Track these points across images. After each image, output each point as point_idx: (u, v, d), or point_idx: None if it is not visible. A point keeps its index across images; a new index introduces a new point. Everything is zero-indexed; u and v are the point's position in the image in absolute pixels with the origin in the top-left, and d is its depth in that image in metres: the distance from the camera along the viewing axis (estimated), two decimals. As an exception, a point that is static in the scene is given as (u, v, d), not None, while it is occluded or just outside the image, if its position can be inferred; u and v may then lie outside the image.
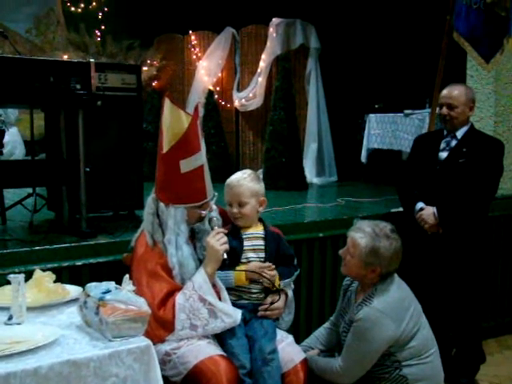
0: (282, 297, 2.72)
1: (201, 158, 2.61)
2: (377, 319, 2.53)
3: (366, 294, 2.66)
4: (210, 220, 2.65)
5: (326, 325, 3.02)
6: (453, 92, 3.54)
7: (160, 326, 2.48)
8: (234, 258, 2.61)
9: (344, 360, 2.64)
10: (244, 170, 2.78)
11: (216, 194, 2.72)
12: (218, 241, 2.55)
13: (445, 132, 3.65)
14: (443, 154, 3.58)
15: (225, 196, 2.73)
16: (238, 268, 2.64)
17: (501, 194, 4.57)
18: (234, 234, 2.70)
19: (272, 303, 2.66)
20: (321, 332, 3.01)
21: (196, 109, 2.64)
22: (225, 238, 2.57)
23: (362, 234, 2.64)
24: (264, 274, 2.61)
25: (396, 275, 2.72)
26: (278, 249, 2.74)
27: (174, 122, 2.58)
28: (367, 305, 2.58)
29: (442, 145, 3.61)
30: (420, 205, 3.54)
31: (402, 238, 2.70)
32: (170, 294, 2.52)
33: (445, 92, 3.58)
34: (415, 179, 3.64)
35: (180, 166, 2.56)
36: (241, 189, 2.65)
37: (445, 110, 3.54)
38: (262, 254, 2.69)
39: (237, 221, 2.71)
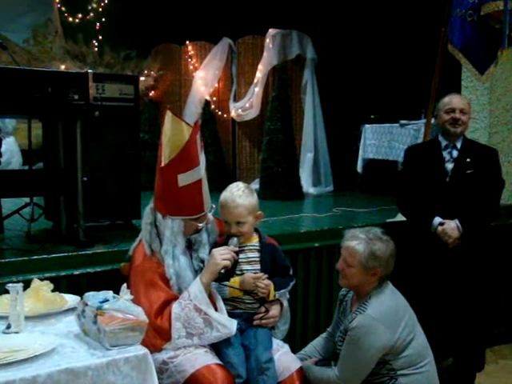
0: (277, 306, 2.74)
1: (199, 172, 2.62)
2: (371, 327, 2.56)
3: (360, 302, 2.69)
4: (230, 238, 2.66)
5: (324, 335, 3.05)
6: (463, 99, 3.62)
7: (157, 334, 2.50)
8: (228, 270, 2.61)
9: (340, 369, 2.65)
10: (236, 185, 2.75)
11: (214, 206, 2.74)
12: (221, 255, 2.57)
13: (443, 143, 3.65)
14: (449, 166, 3.58)
15: (221, 214, 2.72)
16: (232, 280, 2.64)
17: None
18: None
19: (267, 312, 2.68)
20: (318, 341, 3.03)
21: (196, 123, 2.64)
22: (229, 256, 2.58)
23: (357, 241, 2.67)
24: (258, 284, 2.62)
25: (390, 284, 2.75)
26: (274, 260, 2.74)
27: (175, 133, 2.59)
28: (361, 313, 2.61)
29: (445, 156, 3.61)
30: (438, 220, 3.49)
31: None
32: (167, 303, 2.54)
33: (456, 99, 3.59)
34: (420, 192, 3.59)
35: (178, 180, 2.57)
36: (238, 210, 2.64)
37: (458, 114, 3.55)
38: (258, 266, 2.70)
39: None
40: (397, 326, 2.61)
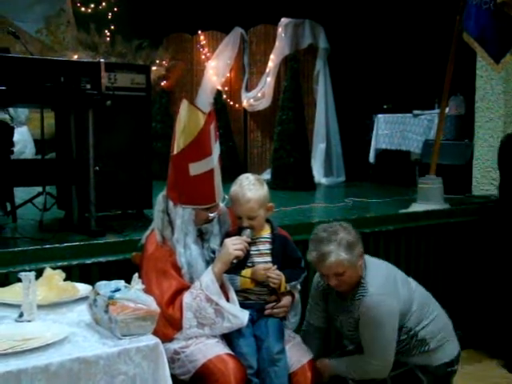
0: (289, 297, 2.72)
1: (211, 162, 2.60)
2: (380, 302, 2.57)
3: (354, 288, 2.65)
4: (243, 230, 2.64)
5: (308, 335, 2.92)
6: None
7: (168, 324, 2.50)
8: (239, 262, 2.60)
9: (371, 353, 2.64)
10: (246, 177, 2.71)
11: (226, 196, 2.72)
12: (234, 245, 2.55)
13: None
14: None
15: (233, 208, 2.70)
16: (243, 272, 2.63)
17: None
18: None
19: (278, 301, 2.66)
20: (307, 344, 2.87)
21: (210, 113, 2.61)
22: (242, 246, 2.56)
23: (332, 254, 2.55)
24: (270, 274, 2.61)
25: (366, 256, 2.72)
26: (285, 252, 2.73)
27: (191, 122, 2.57)
28: (364, 295, 2.60)
29: None
30: None
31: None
32: (179, 292, 2.54)
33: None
34: None
35: (189, 169, 2.56)
36: (249, 204, 2.62)
37: None
38: (269, 258, 2.68)
39: None
40: (397, 289, 2.65)
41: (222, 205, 2.72)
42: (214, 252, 2.65)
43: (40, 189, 4.16)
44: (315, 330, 2.93)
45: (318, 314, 2.91)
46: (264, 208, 2.67)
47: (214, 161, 2.62)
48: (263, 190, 2.68)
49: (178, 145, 2.58)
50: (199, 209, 2.62)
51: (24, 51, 4.15)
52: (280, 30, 7.63)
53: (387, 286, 2.63)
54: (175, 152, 2.58)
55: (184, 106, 2.60)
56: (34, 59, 3.44)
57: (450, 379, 2.82)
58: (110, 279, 2.30)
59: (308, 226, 3.89)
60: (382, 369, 2.65)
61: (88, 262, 3.07)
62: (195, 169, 2.57)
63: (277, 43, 7.64)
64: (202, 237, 2.69)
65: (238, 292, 2.63)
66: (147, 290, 2.27)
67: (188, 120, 2.58)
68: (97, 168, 3.47)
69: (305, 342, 2.82)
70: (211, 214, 2.65)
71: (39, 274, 2.46)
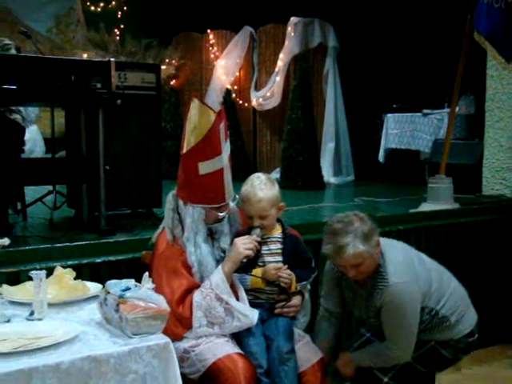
0: (299, 296, 2.72)
1: (221, 162, 2.59)
2: (403, 290, 2.54)
3: (372, 275, 2.61)
4: (252, 229, 2.63)
5: (325, 320, 2.91)
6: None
7: (178, 322, 2.50)
8: (250, 261, 2.60)
9: (395, 340, 2.62)
10: (258, 177, 2.69)
11: (237, 196, 2.71)
12: (244, 244, 2.55)
13: None
14: None
15: (243, 208, 2.69)
16: (254, 271, 2.63)
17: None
18: None
19: (288, 300, 2.65)
20: (326, 330, 2.91)
21: (220, 112, 2.60)
22: (252, 245, 2.55)
23: (349, 246, 2.49)
24: (281, 274, 2.61)
25: (382, 241, 2.66)
26: (296, 252, 2.72)
27: (202, 121, 2.56)
28: (386, 285, 2.56)
29: None
30: None
31: None
32: (189, 290, 2.54)
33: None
34: None
35: (199, 168, 2.55)
36: (260, 204, 2.60)
37: None
38: (280, 258, 2.67)
39: None
40: (416, 272, 2.62)
41: (232, 204, 2.71)
42: (224, 251, 2.65)
43: (50, 187, 4.18)
44: (331, 315, 2.91)
45: (333, 300, 2.88)
46: (275, 207, 2.67)
47: (223, 160, 2.61)
48: (275, 190, 2.66)
49: (188, 144, 2.58)
50: (209, 208, 2.61)
51: (35, 50, 4.17)
52: (289, 28, 7.63)
53: (407, 272, 2.59)
54: (185, 151, 2.58)
55: (194, 105, 2.60)
56: (45, 58, 3.45)
57: (472, 349, 2.80)
58: (120, 278, 2.30)
59: (317, 226, 3.88)
60: (405, 354, 2.64)
61: (98, 260, 3.07)
62: (205, 168, 2.56)
63: (286, 42, 7.64)
64: (212, 236, 2.68)
65: (247, 291, 2.63)
66: (157, 289, 2.27)
67: (198, 119, 2.57)
68: (107, 167, 3.47)
69: (321, 327, 2.85)
70: (221, 214, 2.64)
71: (50, 272, 2.47)
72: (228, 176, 2.65)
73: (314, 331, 2.92)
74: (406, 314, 2.56)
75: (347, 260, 2.52)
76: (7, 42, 4.02)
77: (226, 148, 2.64)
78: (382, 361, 2.69)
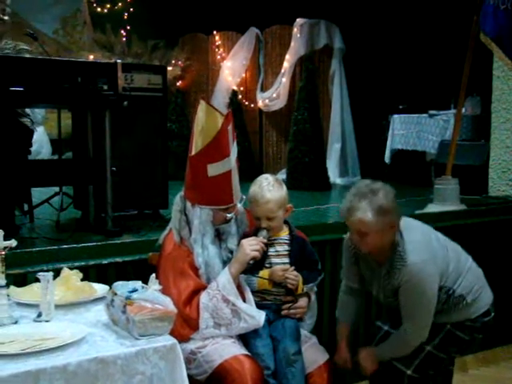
0: (305, 298, 2.71)
1: (229, 163, 2.59)
2: (421, 270, 2.53)
3: (389, 255, 2.60)
4: (260, 230, 2.63)
5: (346, 294, 2.94)
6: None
7: (185, 324, 2.50)
8: (257, 262, 2.60)
9: (411, 321, 2.61)
10: (266, 178, 2.69)
11: (244, 197, 2.71)
12: (250, 246, 2.55)
13: None
14: None
15: (251, 209, 2.69)
16: (261, 273, 2.63)
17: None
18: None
19: (295, 302, 2.65)
20: (346, 304, 2.95)
21: (228, 114, 2.60)
22: (258, 247, 2.55)
23: (359, 211, 2.49)
24: (288, 275, 2.60)
25: (403, 221, 2.65)
26: (303, 254, 2.71)
27: (209, 123, 2.56)
28: (404, 265, 2.54)
29: None
30: None
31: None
32: (196, 292, 2.54)
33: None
34: None
35: (207, 170, 2.55)
36: (268, 205, 2.60)
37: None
38: (286, 260, 2.67)
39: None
40: (435, 251, 2.61)
41: (239, 205, 2.71)
42: (231, 252, 2.65)
43: (57, 189, 4.19)
44: (352, 291, 2.92)
45: (352, 277, 2.88)
46: (283, 209, 2.66)
47: (231, 162, 2.61)
48: (282, 191, 2.66)
49: (197, 146, 2.58)
50: (217, 209, 2.62)
51: (41, 52, 4.18)
52: (295, 30, 7.63)
53: (425, 251, 2.58)
54: (193, 153, 2.59)
55: (202, 107, 2.60)
56: (52, 60, 3.45)
57: (488, 329, 2.77)
58: (126, 279, 2.30)
59: (323, 227, 3.89)
60: (421, 335, 2.61)
61: (105, 262, 3.08)
62: (213, 170, 2.56)
63: (292, 43, 7.64)
64: (219, 237, 2.68)
65: (254, 293, 2.63)
66: (164, 290, 2.27)
67: (206, 121, 2.57)
68: (113, 168, 3.48)
69: (343, 300, 2.91)
70: (229, 215, 2.65)
71: (57, 274, 2.48)
72: (235, 177, 2.65)
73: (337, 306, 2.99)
74: (424, 293, 2.55)
75: (353, 223, 2.53)
76: (24, 47, 3.99)
77: (234, 150, 2.64)
78: (400, 348, 2.67)
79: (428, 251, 2.59)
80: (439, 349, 2.69)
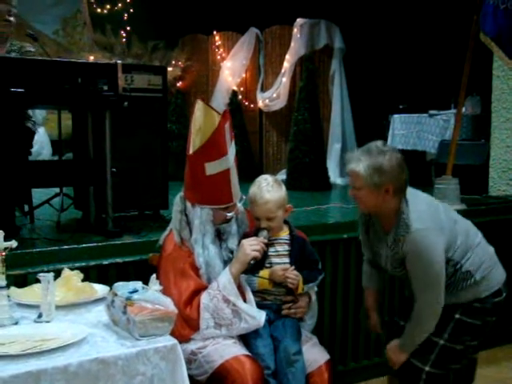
0: (306, 298, 2.72)
1: (227, 162, 2.60)
2: (425, 238, 2.52)
3: (395, 222, 2.60)
4: (260, 231, 2.63)
5: (367, 264, 2.98)
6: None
7: (186, 324, 2.51)
8: (257, 262, 2.60)
9: (422, 295, 2.60)
10: (265, 178, 2.71)
11: (244, 196, 2.72)
12: (251, 246, 2.55)
13: None
14: None
15: (250, 210, 2.70)
16: (261, 273, 2.63)
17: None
18: None
19: (295, 301, 2.66)
20: (369, 273, 2.98)
21: (225, 112, 2.62)
22: (259, 247, 2.56)
23: (356, 163, 2.54)
24: (288, 275, 2.61)
25: (409, 189, 2.65)
26: (303, 253, 2.72)
27: (206, 123, 2.57)
28: (408, 232, 2.54)
29: None
30: None
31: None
32: (197, 292, 2.54)
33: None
34: None
35: (205, 169, 2.56)
36: (267, 206, 2.62)
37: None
38: (287, 259, 2.68)
39: None
40: (441, 220, 2.59)
41: (239, 205, 2.72)
42: (232, 252, 2.66)
43: (57, 190, 4.18)
44: (370, 262, 2.94)
45: (366, 248, 2.91)
46: (282, 209, 2.67)
47: (229, 160, 2.62)
48: (281, 192, 2.67)
49: (194, 145, 2.59)
50: (217, 208, 2.62)
51: (41, 53, 4.18)
52: (295, 30, 7.63)
53: (430, 220, 2.56)
54: (191, 152, 2.59)
55: (199, 106, 2.61)
56: (52, 61, 3.45)
57: (499, 311, 2.73)
58: (127, 280, 2.31)
59: (323, 227, 3.89)
60: (435, 310, 2.58)
61: (105, 262, 3.08)
62: (211, 168, 2.57)
63: (292, 43, 7.64)
64: (219, 237, 2.69)
65: (255, 293, 2.63)
66: (165, 291, 2.27)
67: (203, 120, 2.59)
68: (113, 169, 3.48)
69: (364, 270, 2.96)
70: (229, 214, 2.65)
71: (57, 274, 2.48)
72: (234, 176, 2.66)
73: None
74: (431, 264, 2.53)
75: (348, 170, 2.60)
76: (30, 48, 3.99)
77: (232, 149, 2.64)
78: (417, 329, 2.64)
79: (433, 220, 2.57)
80: (453, 340, 2.66)
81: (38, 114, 7.28)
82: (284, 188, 2.71)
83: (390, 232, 2.64)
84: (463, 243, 2.65)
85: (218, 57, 8.29)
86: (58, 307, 2.25)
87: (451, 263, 2.62)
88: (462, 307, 2.67)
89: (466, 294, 2.67)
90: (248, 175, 4.07)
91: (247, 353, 2.50)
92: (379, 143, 2.60)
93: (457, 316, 2.67)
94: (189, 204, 2.65)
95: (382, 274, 2.97)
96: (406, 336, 2.70)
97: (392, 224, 2.62)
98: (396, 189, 2.56)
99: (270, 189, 2.64)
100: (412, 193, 2.67)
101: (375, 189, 2.53)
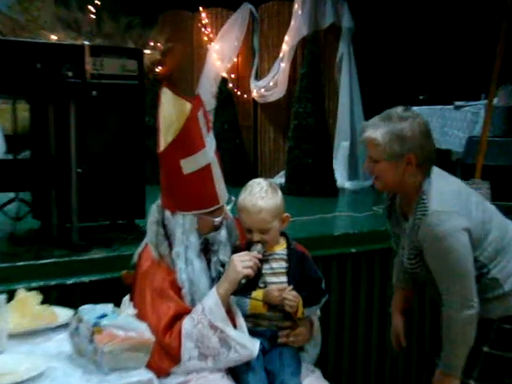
0: (307, 323, 2.72)
1: (206, 156, 2.61)
2: (444, 222, 2.49)
3: (415, 205, 2.60)
4: (252, 244, 2.63)
5: (397, 258, 3.00)
6: None
7: (165, 355, 2.50)
8: (249, 281, 2.59)
9: (445, 289, 2.58)
10: (258, 183, 2.71)
11: (233, 198, 2.73)
12: (242, 262, 2.55)
13: None
14: None
15: (241, 220, 2.70)
16: (254, 294, 2.63)
17: None
18: None
19: (294, 327, 2.66)
20: (398, 268, 3.00)
21: (196, 97, 2.62)
22: (251, 263, 2.55)
23: (373, 129, 2.57)
24: (285, 296, 2.61)
25: (437, 169, 2.66)
26: (303, 271, 2.71)
27: (177, 113, 2.58)
28: (425, 214, 2.53)
29: None
30: None
31: None
32: (178, 316, 2.54)
33: None
34: None
35: (181, 167, 2.57)
36: (260, 215, 2.61)
37: None
38: (284, 278, 2.67)
39: None
40: (469, 207, 2.57)
41: (227, 208, 2.72)
42: (223, 265, 2.66)
43: (12, 195, 4.17)
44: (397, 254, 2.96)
45: (393, 240, 2.93)
46: (278, 219, 2.67)
47: (209, 154, 2.63)
48: (277, 198, 2.67)
49: (165, 140, 2.59)
50: (201, 214, 2.63)
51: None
52: (296, 6, 7.66)
53: (453, 202, 2.55)
54: (161, 148, 2.58)
55: (166, 96, 2.61)
56: (5, 41, 3.46)
57: None
58: (95, 302, 2.30)
59: (328, 240, 3.90)
60: (465, 309, 2.53)
61: (69, 282, 3.09)
62: (189, 166, 2.57)
63: (292, 22, 7.67)
64: (206, 250, 2.69)
65: (246, 317, 2.63)
66: (140, 315, 2.28)
67: (173, 111, 2.59)
68: (80, 170, 3.48)
69: (397, 267, 2.97)
70: (216, 219, 2.66)
71: (10, 296, 2.47)
72: (217, 173, 2.67)
73: None
74: (451, 249, 2.50)
75: (364, 138, 2.61)
76: None
77: (210, 140, 2.65)
78: (452, 333, 2.59)
79: (458, 204, 2.55)
80: (497, 347, 2.63)
81: (-12, 104, 7.29)
82: (280, 194, 2.72)
83: (409, 217, 2.65)
84: (494, 243, 2.62)
85: (205, 37, 8.32)
86: (11, 336, 2.25)
87: (477, 265, 2.58)
88: (490, 336, 2.65)
89: (495, 308, 2.64)
90: (240, 179, 4.08)
91: (237, 390, 2.50)
92: (400, 109, 2.62)
93: (485, 349, 2.65)
94: (168, 213, 2.66)
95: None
96: (446, 351, 2.65)
97: (412, 207, 2.62)
98: (420, 160, 2.57)
99: (263, 195, 2.64)
100: (439, 173, 2.66)
101: (395, 160, 2.55)
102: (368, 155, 2.64)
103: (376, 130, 2.55)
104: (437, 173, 2.65)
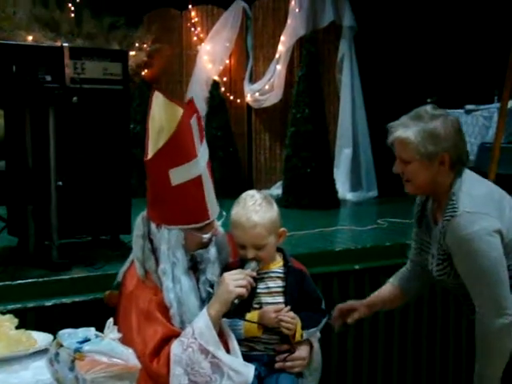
0: (306, 347, 2.72)
1: (197, 167, 2.61)
2: (473, 223, 2.52)
3: (444, 206, 2.63)
4: (246, 262, 2.64)
5: (408, 266, 3.04)
6: None
7: (152, 382, 2.50)
8: (243, 302, 2.59)
9: (478, 295, 2.58)
10: (251, 196, 2.71)
11: (224, 213, 2.73)
12: (235, 281, 2.55)
13: None
14: None
15: (234, 236, 2.70)
16: (248, 315, 2.63)
17: None
18: None
19: (292, 351, 2.66)
20: (402, 271, 3.04)
21: (189, 102, 2.64)
22: (245, 282, 2.55)
23: (404, 128, 2.60)
24: (282, 318, 2.61)
25: (469, 171, 2.69)
26: (302, 290, 2.72)
27: (168, 119, 2.59)
28: (454, 216, 2.55)
29: None
30: None
31: None
32: (166, 340, 2.54)
33: None
34: None
35: (170, 177, 2.57)
36: (255, 230, 2.61)
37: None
38: (281, 298, 2.67)
39: None
40: (501, 210, 2.59)
41: (218, 223, 2.73)
42: (212, 286, 2.66)
43: (-14, 209, 4.18)
44: (415, 265, 2.98)
45: (414, 245, 2.95)
46: (274, 234, 2.68)
47: (200, 164, 2.63)
48: (273, 212, 2.68)
49: (151, 147, 2.59)
50: (189, 229, 2.63)
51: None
52: (293, 3, 7.68)
53: (485, 203, 2.57)
54: (149, 157, 2.59)
55: (157, 100, 2.62)
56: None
57: None
58: (76, 326, 2.30)
59: (329, 256, 3.90)
60: (501, 319, 2.53)
61: (48, 303, 3.08)
62: (178, 176, 2.57)
63: (289, 21, 7.68)
64: (195, 267, 2.69)
65: (240, 341, 2.63)
66: (125, 340, 2.27)
67: (164, 117, 2.60)
68: (60, 182, 3.48)
69: (403, 280, 2.99)
70: (205, 236, 2.66)
71: (-15, 319, 2.47)
72: (209, 186, 2.67)
73: None
74: (480, 253, 2.51)
75: (393, 139, 2.63)
76: None
77: (203, 150, 2.66)
78: (486, 347, 2.60)
79: (490, 207, 2.57)
80: None
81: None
82: (276, 207, 2.72)
83: (438, 220, 2.68)
84: None
85: (195, 38, 8.32)
86: (-15, 362, 2.24)
87: (510, 273, 2.60)
88: None
89: None
90: (233, 190, 4.09)
91: (231, 420, 2.50)
92: (429, 107, 2.66)
93: None
94: (153, 225, 2.66)
95: (422, 278, 2.98)
96: (479, 367, 2.65)
97: (442, 209, 2.65)
98: (453, 160, 2.61)
99: (257, 208, 2.64)
100: (471, 174, 2.70)
101: (428, 160, 2.58)
102: (398, 157, 2.67)
103: (407, 130, 2.59)
104: (468, 174, 2.69)
